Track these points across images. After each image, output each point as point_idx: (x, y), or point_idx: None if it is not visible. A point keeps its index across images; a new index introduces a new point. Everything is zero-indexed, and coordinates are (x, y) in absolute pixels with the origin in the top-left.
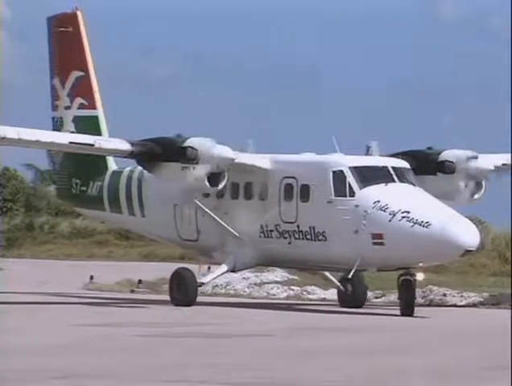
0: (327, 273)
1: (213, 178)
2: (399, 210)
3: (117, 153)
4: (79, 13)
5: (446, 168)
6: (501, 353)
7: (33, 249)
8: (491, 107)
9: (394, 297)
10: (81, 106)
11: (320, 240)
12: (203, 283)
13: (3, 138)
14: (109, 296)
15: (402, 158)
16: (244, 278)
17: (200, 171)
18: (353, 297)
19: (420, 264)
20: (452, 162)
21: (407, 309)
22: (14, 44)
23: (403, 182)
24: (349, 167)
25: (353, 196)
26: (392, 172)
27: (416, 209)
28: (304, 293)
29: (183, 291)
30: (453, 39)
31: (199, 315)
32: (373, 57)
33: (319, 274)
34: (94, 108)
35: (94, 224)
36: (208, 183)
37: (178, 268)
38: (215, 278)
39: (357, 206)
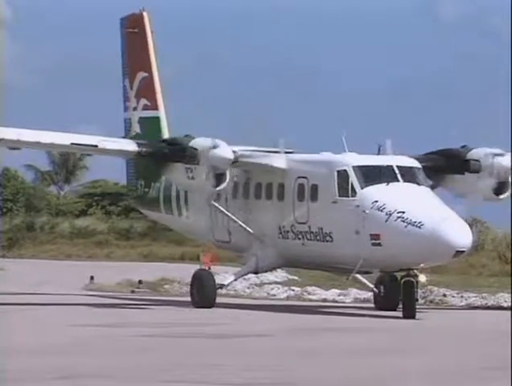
0: (359, 277)
1: (215, 178)
2: (395, 210)
3: (123, 155)
4: (145, 13)
5: (472, 167)
6: (500, 353)
7: (33, 249)
8: (491, 106)
9: None
10: (145, 107)
11: (327, 241)
12: (223, 285)
13: (1, 140)
14: (109, 296)
15: (435, 157)
16: (244, 279)
17: (201, 172)
18: (386, 300)
19: (422, 265)
20: (477, 160)
21: (409, 311)
22: (14, 44)
23: (408, 181)
24: (353, 167)
25: (354, 196)
26: (397, 171)
27: (411, 209)
28: (305, 293)
29: (201, 293)
30: (453, 39)
31: (199, 316)
32: (373, 57)
33: (354, 278)
34: (156, 108)
35: (94, 225)
36: (209, 184)
37: (198, 269)
38: (235, 280)
39: (357, 206)
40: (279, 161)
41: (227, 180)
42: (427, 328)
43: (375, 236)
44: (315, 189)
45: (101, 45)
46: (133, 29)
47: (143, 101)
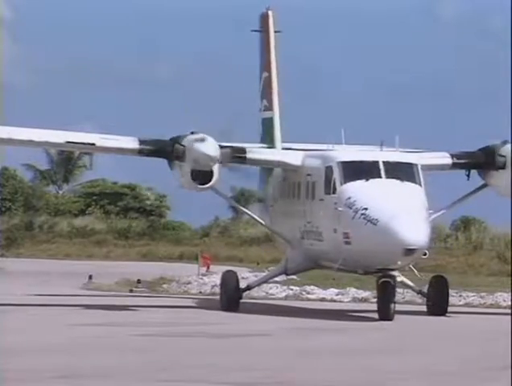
0: (406, 280)
1: (201, 175)
2: (361, 207)
3: (124, 152)
4: (270, 12)
5: (497, 163)
6: (499, 353)
7: (32, 249)
8: (490, 105)
9: None
10: (265, 108)
11: (320, 241)
12: (249, 287)
13: None
14: (108, 295)
15: (472, 155)
16: (243, 278)
17: (186, 169)
18: (434, 304)
19: (399, 263)
20: (504, 156)
21: (384, 312)
22: (14, 44)
23: (392, 177)
24: (337, 162)
25: (334, 193)
26: (381, 167)
27: (374, 206)
28: (303, 292)
29: (225, 295)
30: (453, 38)
31: (198, 315)
32: (371, 57)
33: (401, 282)
34: (271, 109)
35: (93, 224)
36: (193, 181)
37: (225, 271)
38: (265, 282)
39: (335, 203)
40: (293, 157)
41: (214, 179)
42: (424, 328)
43: (346, 235)
44: (313, 186)
45: (100, 45)
46: (260, 28)
47: (264, 102)
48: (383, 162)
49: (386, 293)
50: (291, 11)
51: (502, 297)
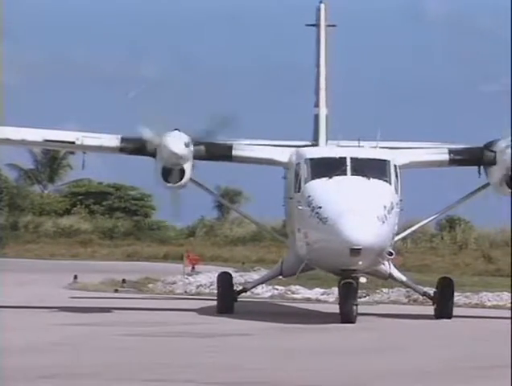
0: (407, 280)
1: (172, 173)
2: (317, 205)
3: (104, 150)
4: (322, 6)
5: (485, 158)
6: (486, 353)
7: (17, 249)
8: (477, 102)
9: (378, 296)
10: (315, 104)
11: (294, 241)
12: (245, 290)
13: None
14: (93, 295)
15: (472, 150)
16: None
17: (158, 166)
18: (439, 307)
19: (349, 263)
20: (493, 151)
21: (346, 315)
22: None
23: (358, 174)
24: (305, 159)
25: (299, 191)
26: (348, 163)
27: (328, 204)
28: (289, 292)
29: (220, 297)
30: (439, 37)
31: (182, 315)
32: (360, 56)
33: (404, 283)
34: (317, 106)
35: (78, 224)
36: (162, 179)
37: (219, 273)
38: (260, 284)
39: (298, 201)
40: (281, 154)
41: (185, 177)
42: (411, 327)
43: (305, 234)
44: (290, 184)
45: (86, 44)
46: (314, 22)
47: (314, 98)
48: (351, 158)
49: (347, 295)
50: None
51: (487, 297)
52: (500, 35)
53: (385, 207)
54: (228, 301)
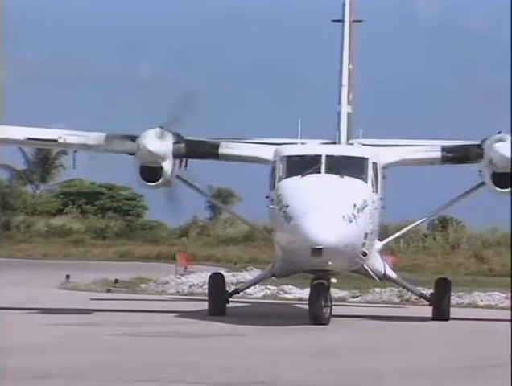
0: (405, 282)
1: (151, 172)
2: (285, 204)
3: (89, 149)
4: (347, 1)
5: (471, 153)
6: (475, 353)
7: (9, 248)
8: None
9: (371, 296)
10: (338, 101)
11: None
12: (237, 291)
13: None
14: (85, 295)
15: (467, 147)
16: None
17: (137, 165)
18: (436, 310)
19: (330, 263)
20: (480, 146)
21: (317, 317)
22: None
23: (332, 172)
24: (281, 157)
25: (273, 190)
26: (323, 161)
27: (294, 203)
28: (281, 292)
29: (212, 299)
30: (431, 39)
31: (172, 315)
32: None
33: (402, 284)
34: (339, 103)
35: (70, 224)
36: (141, 178)
37: (211, 274)
38: (252, 285)
39: (272, 200)
40: (266, 152)
41: (164, 176)
42: (401, 328)
43: (275, 234)
44: (269, 182)
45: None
46: (340, 18)
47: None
48: (327, 156)
49: (316, 295)
50: None
51: (479, 297)
52: (492, 36)
53: (355, 205)
54: (220, 302)
